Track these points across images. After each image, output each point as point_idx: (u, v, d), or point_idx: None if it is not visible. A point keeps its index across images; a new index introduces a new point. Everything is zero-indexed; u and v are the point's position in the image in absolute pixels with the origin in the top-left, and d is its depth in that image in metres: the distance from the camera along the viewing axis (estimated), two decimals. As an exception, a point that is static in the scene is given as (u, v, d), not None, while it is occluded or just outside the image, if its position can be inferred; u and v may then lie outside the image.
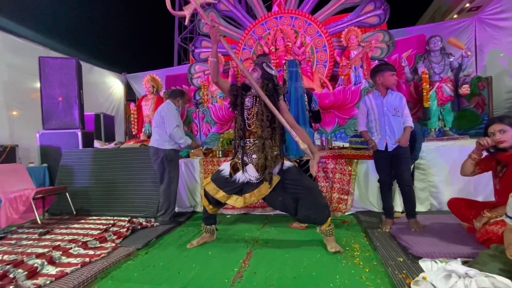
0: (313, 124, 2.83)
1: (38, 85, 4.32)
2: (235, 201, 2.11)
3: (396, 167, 2.35)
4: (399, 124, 2.29)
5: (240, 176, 2.08)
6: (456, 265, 1.40)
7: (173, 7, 2.15)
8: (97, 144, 4.50)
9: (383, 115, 2.31)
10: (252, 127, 2.06)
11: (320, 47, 4.97)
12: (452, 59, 3.61)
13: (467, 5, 9.78)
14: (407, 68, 3.88)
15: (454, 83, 3.63)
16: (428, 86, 3.62)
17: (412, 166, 2.71)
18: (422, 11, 13.32)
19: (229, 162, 2.19)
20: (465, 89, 3.52)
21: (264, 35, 5.23)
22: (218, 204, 2.23)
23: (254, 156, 2.04)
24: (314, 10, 5.05)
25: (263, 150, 1.98)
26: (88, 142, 4.35)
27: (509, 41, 4.30)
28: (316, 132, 3.66)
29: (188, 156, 3.61)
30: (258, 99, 2.04)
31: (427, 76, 3.61)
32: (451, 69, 3.62)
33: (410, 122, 2.28)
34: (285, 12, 5.12)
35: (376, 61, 4.48)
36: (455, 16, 10.04)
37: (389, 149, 2.30)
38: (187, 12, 2.13)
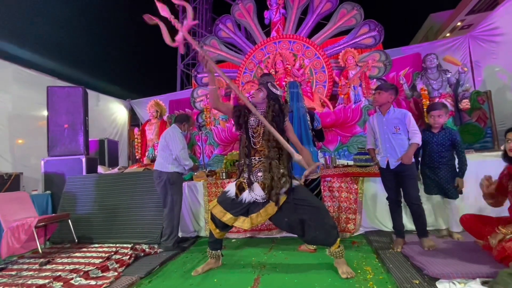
0: (316, 143, 2.83)
1: (44, 113, 4.41)
2: (242, 223, 2.07)
3: (402, 185, 2.31)
4: (401, 141, 2.25)
5: (246, 196, 2.05)
6: (476, 286, 1.33)
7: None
8: (100, 169, 4.51)
9: (383, 134, 2.32)
10: (258, 145, 2.06)
11: (318, 69, 5.11)
12: (449, 75, 3.69)
13: (459, 23, 10.18)
14: (405, 86, 3.96)
15: (454, 98, 3.67)
16: (428, 101, 3.67)
17: (462, 180, 2.37)
18: (415, 31, 13.87)
19: (234, 182, 2.16)
20: (465, 104, 3.56)
21: (264, 59, 5.41)
22: (225, 227, 2.18)
23: (259, 174, 2.03)
24: (311, 34, 5.26)
25: (270, 170, 1.97)
26: (92, 167, 4.36)
27: (510, 55, 4.31)
28: (319, 151, 3.65)
29: (191, 179, 3.59)
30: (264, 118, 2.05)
31: (426, 92, 3.68)
32: (449, 84, 3.69)
33: (416, 139, 2.20)
34: (283, 37, 5.33)
35: (375, 80, 4.58)
36: (448, 34, 10.41)
37: (391, 167, 2.28)
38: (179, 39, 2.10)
